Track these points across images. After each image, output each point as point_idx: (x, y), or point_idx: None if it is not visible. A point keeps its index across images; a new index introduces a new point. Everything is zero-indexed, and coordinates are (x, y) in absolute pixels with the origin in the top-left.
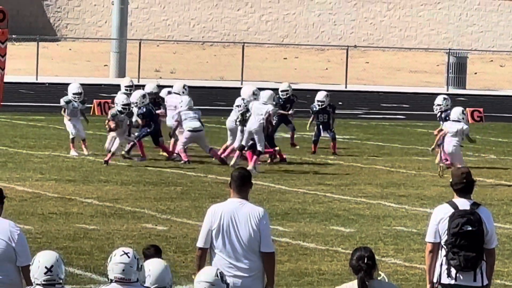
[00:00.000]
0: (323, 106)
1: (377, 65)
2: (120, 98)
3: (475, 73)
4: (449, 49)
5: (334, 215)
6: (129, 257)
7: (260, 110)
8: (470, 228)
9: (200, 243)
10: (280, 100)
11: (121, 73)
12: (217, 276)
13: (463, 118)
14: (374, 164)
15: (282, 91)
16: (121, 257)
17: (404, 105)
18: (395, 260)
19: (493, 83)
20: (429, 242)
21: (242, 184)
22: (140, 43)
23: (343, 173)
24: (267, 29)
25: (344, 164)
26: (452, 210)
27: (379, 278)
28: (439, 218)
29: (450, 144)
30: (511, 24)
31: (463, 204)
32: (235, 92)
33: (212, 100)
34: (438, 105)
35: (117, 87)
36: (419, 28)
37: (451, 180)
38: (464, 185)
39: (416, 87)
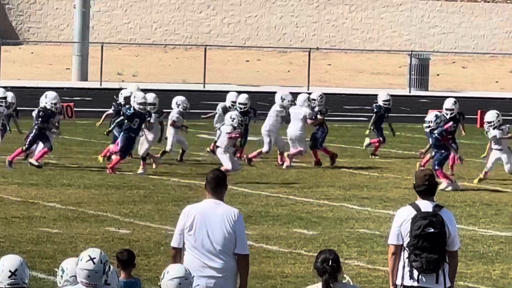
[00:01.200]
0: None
1: (339, 67)
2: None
3: (437, 75)
4: (411, 51)
5: (297, 217)
6: (94, 263)
7: (299, 115)
8: (432, 230)
9: (173, 243)
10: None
11: (83, 76)
12: (187, 270)
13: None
14: (337, 166)
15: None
16: (86, 263)
17: (367, 107)
18: (358, 262)
19: (455, 84)
20: (392, 244)
21: (217, 186)
22: (102, 46)
23: (306, 176)
24: (229, 31)
25: (306, 167)
26: (415, 212)
27: (344, 281)
28: (402, 220)
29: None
30: (473, 26)
31: (426, 206)
32: (198, 95)
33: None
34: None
35: (79, 90)
36: (381, 30)
37: (414, 182)
38: (426, 187)
39: (378, 89)
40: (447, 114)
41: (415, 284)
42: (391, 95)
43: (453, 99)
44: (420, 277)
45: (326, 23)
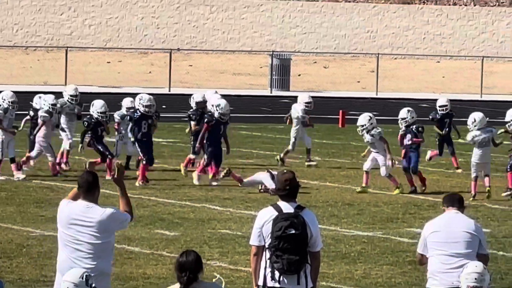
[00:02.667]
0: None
1: (201, 68)
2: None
3: (299, 75)
4: (273, 51)
5: (158, 218)
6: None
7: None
8: (294, 231)
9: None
10: (437, 115)
11: None
12: (82, 278)
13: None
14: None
15: (440, 106)
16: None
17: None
18: (220, 263)
19: (317, 84)
20: (253, 245)
21: (89, 189)
22: None
23: (168, 177)
24: (90, 33)
25: (168, 168)
26: (276, 213)
27: (214, 280)
28: (263, 221)
29: None
30: (334, 26)
31: (287, 207)
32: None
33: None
34: (403, 118)
35: None
36: (242, 31)
37: (276, 186)
38: (288, 191)
39: (240, 90)
40: (441, 111)
41: (277, 285)
42: (252, 96)
43: (446, 98)
44: (281, 278)
45: (187, 24)
